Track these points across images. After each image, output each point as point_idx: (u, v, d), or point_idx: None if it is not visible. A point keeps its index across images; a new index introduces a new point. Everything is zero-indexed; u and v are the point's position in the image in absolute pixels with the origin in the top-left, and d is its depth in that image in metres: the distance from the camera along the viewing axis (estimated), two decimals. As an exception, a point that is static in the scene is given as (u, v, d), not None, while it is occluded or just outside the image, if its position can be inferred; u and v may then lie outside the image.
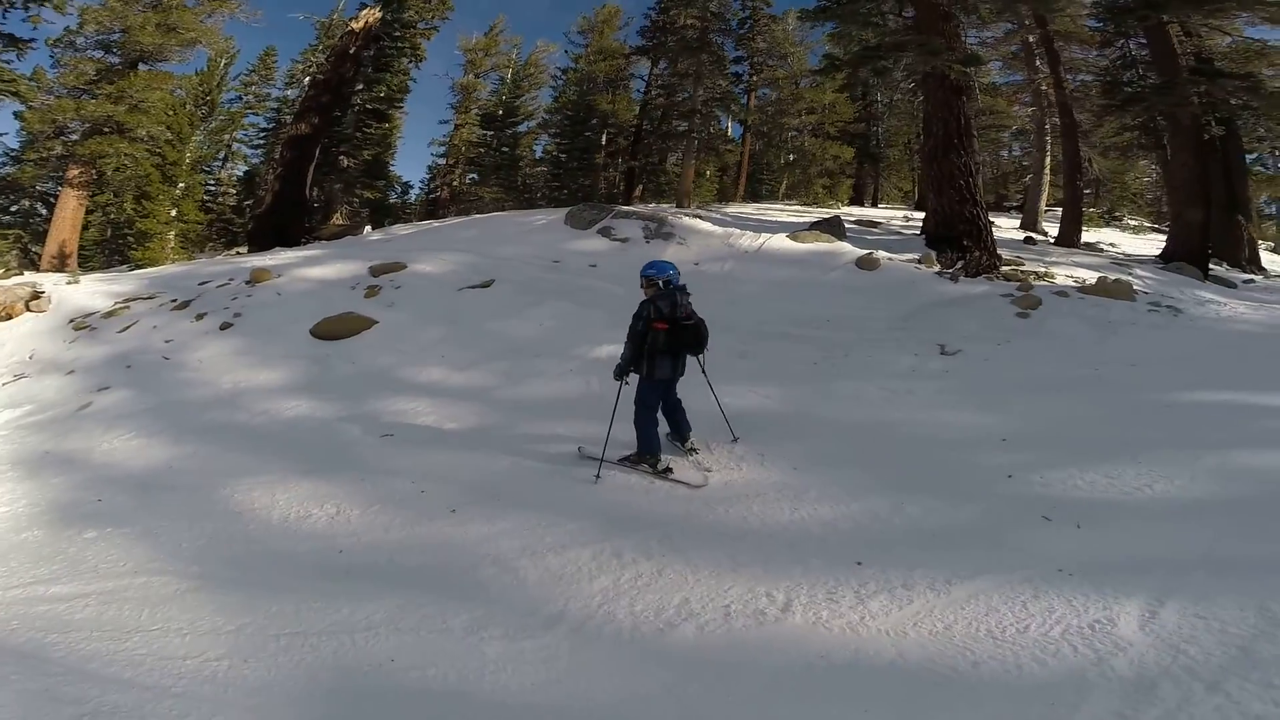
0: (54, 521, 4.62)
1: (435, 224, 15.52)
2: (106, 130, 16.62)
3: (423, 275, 9.86)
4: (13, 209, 20.62)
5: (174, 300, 10.05)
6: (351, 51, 18.11)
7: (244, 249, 15.23)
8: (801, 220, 13.30)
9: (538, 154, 28.43)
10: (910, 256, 9.75)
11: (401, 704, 2.39)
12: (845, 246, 10.14)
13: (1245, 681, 2.13)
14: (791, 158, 25.64)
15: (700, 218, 12.27)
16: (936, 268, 9.77)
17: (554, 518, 3.69)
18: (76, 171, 16.64)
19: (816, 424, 4.88)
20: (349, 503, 4.16)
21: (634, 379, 4.42)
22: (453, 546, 3.55)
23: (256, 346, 8.10)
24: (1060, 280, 9.77)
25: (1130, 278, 9.96)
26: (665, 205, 18.94)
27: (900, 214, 17.82)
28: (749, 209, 16.54)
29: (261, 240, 14.78)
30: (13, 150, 18.89)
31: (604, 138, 24.80)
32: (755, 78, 23.42)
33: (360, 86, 20.37)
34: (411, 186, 25.09)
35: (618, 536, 3.44)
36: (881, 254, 9.63)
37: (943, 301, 8.34)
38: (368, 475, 4.56)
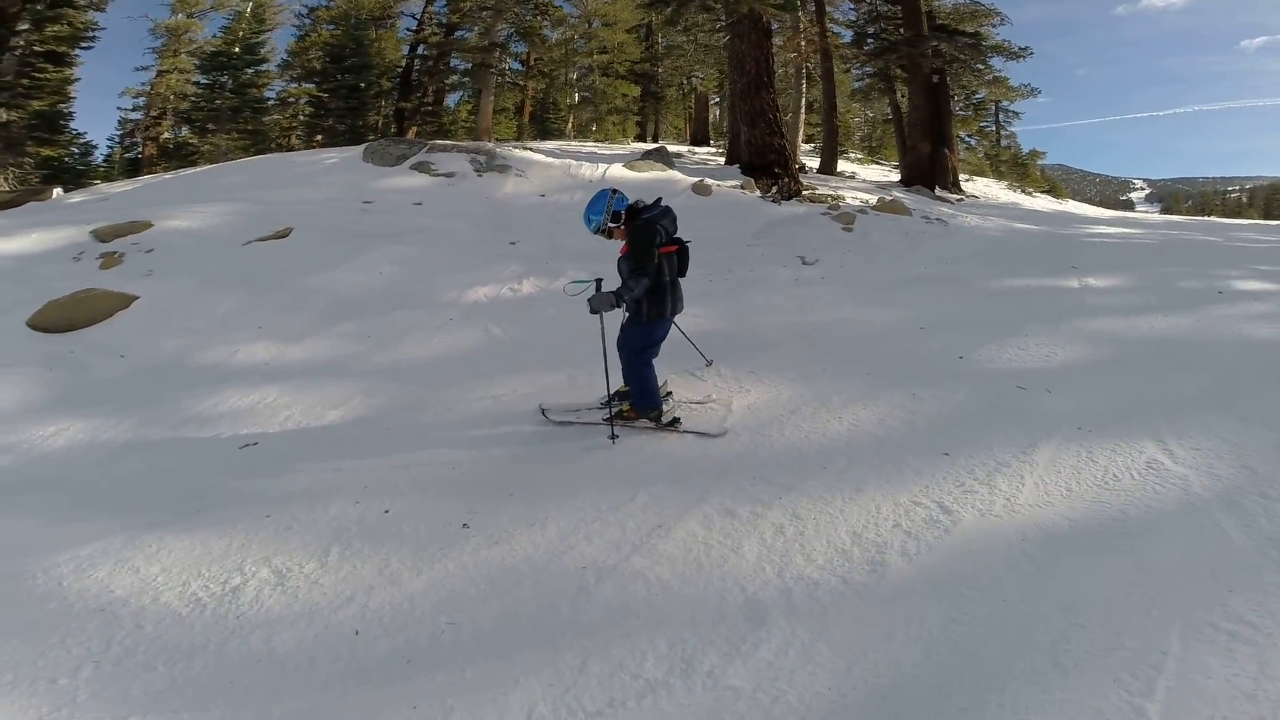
0: None
1: (167, 176, 11.70)
2: None
3: (184, 232, 7.28)
4: None
5: None
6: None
7: None
8: (614, 153, 13.03)
9: (269, 98, 23.52)
10: (733, 183, 10.12)
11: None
12: (678, 174, 10.12)
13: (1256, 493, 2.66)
14: (578, 97, 25.21)
15: (530, 150, 11.18)
16: (757, 193, 10.35)
17: (614, 497, 2.89)
18: None
19: (764, 334, 4.72)
20: (280, 554, 2.74)
21: (612, 319, 3.61)
22: (530, 571, 2.53)
23: (-75, 361, 5.22)
24: (851, 201, 11.04)
25: (897, 197, 11.69)
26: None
27: (684, 148, 18.68)
28: (552, 145, 15.67)
29: None
30: None
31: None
32: (539, 18, 22.19)
33: (26, 26, 14.56)
34: (95, 146, 18.77)
35: (707, 495, 2.86)
36: (710, 180, 9.81)
37: (777, 220, 8.80)
38: (265, 508, 3.07)
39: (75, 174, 15.76)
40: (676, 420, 3.58)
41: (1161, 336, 4.68)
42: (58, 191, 10.48)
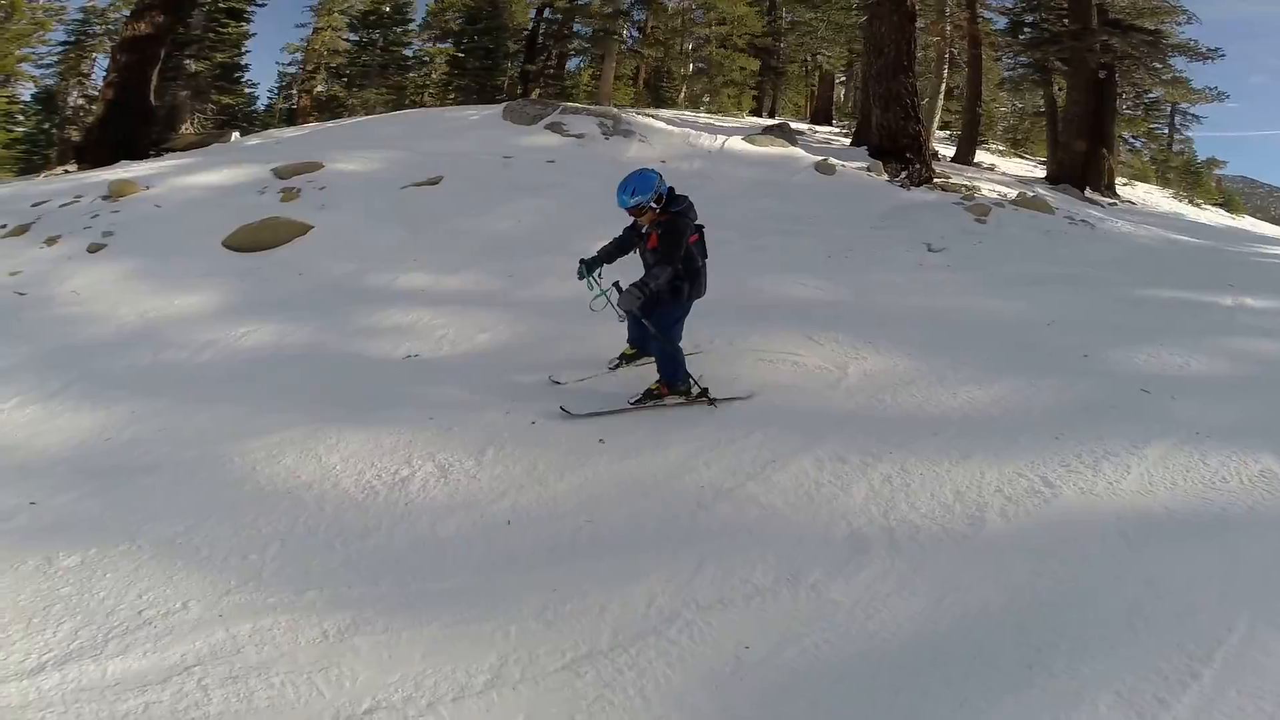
0: None
1: (329, 124, 13.18)
2: None
3: (350, 174, 8.32)
4: None
5: (3, 225, 7.64)
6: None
7: (71, 167, 12.01)
8: (732, 126, 13.14)
9: (408, 57, 25.40)
10: (859, 165, 10.01)
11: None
12: (799, 152, 10.14)
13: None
14: (693, 67, 25.26)
15: (654, 118, 11.58)
16: (885, 176, 10.16)
17: (731, 433, 3.26)
18: None
19: (882, 311, 4.85)
20: (443, 452, 3.31)
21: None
22: (655, 485, 2.96)
23: (153, 267, 6.40)
24: (987, 193, 10.54)
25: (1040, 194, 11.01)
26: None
27: (805, 125, 18.33)
28: (669, 113, 15.95)
29: (98, 155, 11.69)
30: None
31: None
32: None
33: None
34: (257, 97, 21.31)
35: (819, 442, 3.16)
36: (835, 160, 9.74)
37: (905, 206, 8.65)
38: (428, 411, 3.69)
39: (247, 120, 17.97)
40: (705, 391, 3.69)
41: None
42: (236, 135, 12.14)
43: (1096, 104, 13.85)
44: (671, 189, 3.74)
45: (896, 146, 10.77)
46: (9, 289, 6.38)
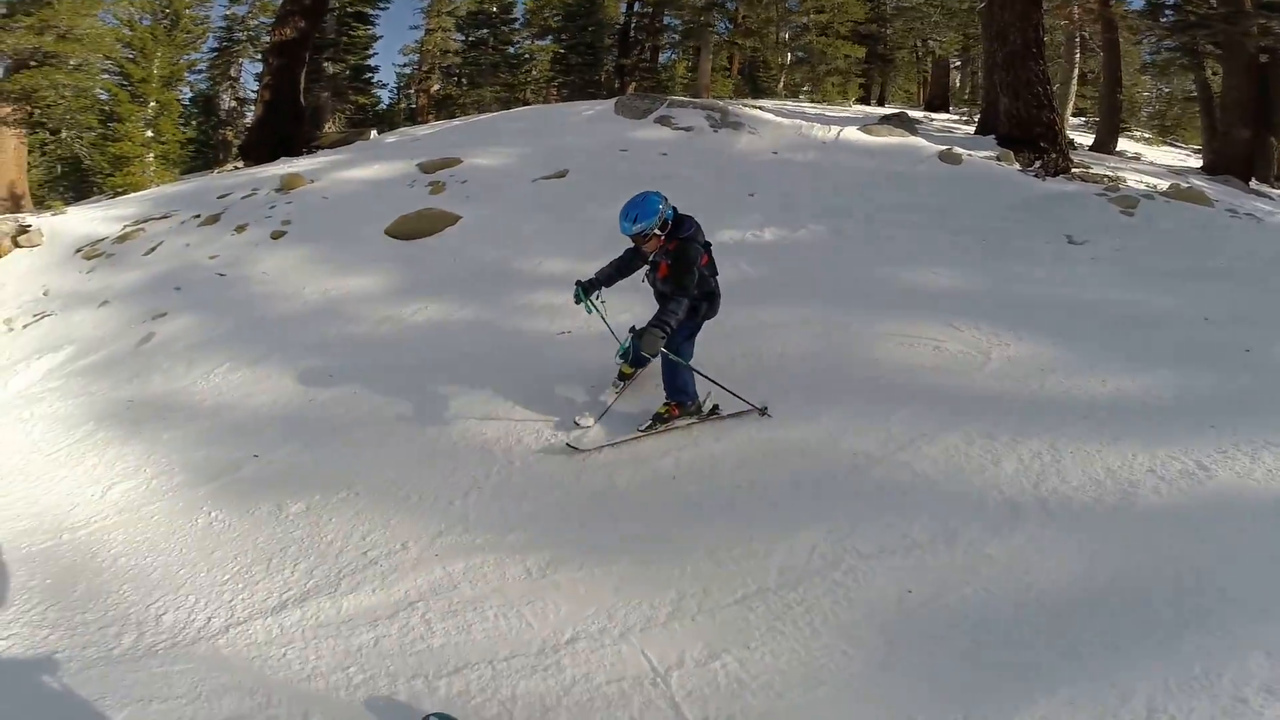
0: (218, 495, 3.91)
1: (456, 122, 14.37)
2: (34, 64, 14.83)
3: (485, 169, 9.17)
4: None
5: (197, 216, 9.04)
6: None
7: (238, 164, 13.89)
8: (842, 115, 13.05)
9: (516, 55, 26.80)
10: (987, 154, 9.72)
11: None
12: (920, 141, 9.98)
13: None
14: (790, 57, 25.03)
15: (760, 109, 11.77)
16: (1016, 166, 9.82)
17: (879, 409, 3.53)
18: (9, 110, 14.97)
19: (1021, 301, 4.88)
20: (608, 415, 3.88)
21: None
22: (809, 451, 3.29)
23: (328, 252, 7.45)
24: (1134, 184, 9.95)
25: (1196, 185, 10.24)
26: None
27: (919, 114, 17.75)
28: (774, 104, 15.99)
29: (259, 152, 13.46)
30: None
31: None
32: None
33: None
34: (381, 98, 23.41)
35: (966, 419, 3.38)
36: (960, 150, 9.54)
37: (1040, 196, 8.37)
38: (587, 380, 4.26)
39: (378, 119, 19.80)
40: (716, 408, 3.76)
41: None
42: (374, 133, 13.51)
43: (1259, 89, 12.72)
44: (675, 210, 3.65)
45: (1029, 135, 10.39)
46: (211, 270, 7.63)
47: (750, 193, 7.86)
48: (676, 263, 3.52)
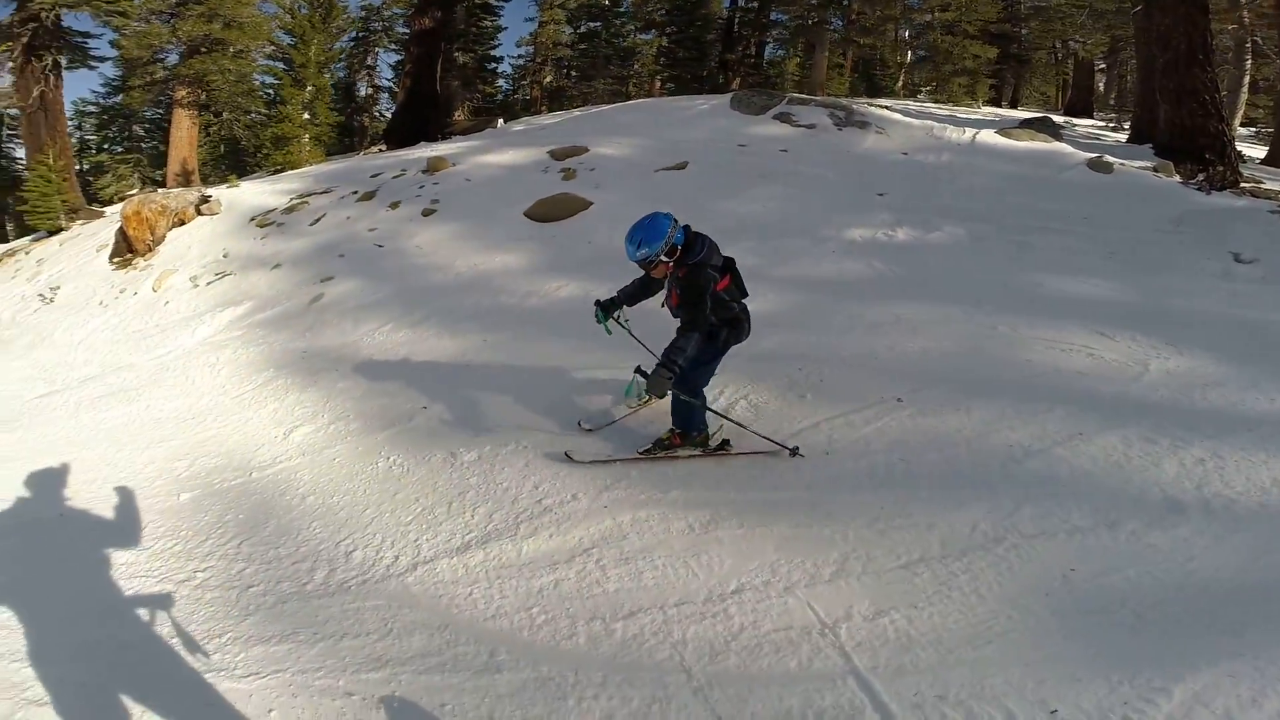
0: (394, 442, 4.34)
1: (575, 113, 15.18)
2: (203, 50, 17.00)
3: (609, 158, 9.75)
4: (126, 136, 22.52)
5: (355, 192, 10.16)
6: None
7: (381, 147, 15.33)
8: (973, 117, 12.73)
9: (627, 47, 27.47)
10: (1141, 164, 9.28)
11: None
12: (1066, 147, 9.66)
13: None
14: (910, 55, 24.33)
15: (887, 109, 11.73)
16: (1176, 178, 9.33)
17: (1031, 406, 3.65)
18: (184, 92, 17.32)
19: (1178, 316, 4.79)
20: (755, 391, 4.12)
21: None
22: (963, 440, 3.47)
23: (474, 230, 8.23)
24: (1315, 201, 9.21)
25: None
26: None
27: (1059, 118, 16.91)
28: (897, 104, 15.73)
29: (400, 137, 14.80)
30: (114, 79, 20.72)
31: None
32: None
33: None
34: (503, 88, 24.83)
35: (1125, 422, 3.47)
36: (1111, 158, 9.17)
37: (1204, 210, 7.94)
38: (731, 360, 4.48)
39: (500, 109, 21.11)
40: (726, 443, 3.64)
41: None
42: (500, 121, 14.50)
43: None
44: (688, 229, 3.42)
45: (1192, 146, 9.86)
46: (370, 241, 8.58)
47: (880, 192, 7.97)
48: (687, 293, 3.32)
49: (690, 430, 3.66)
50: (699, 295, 3.27)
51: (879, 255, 6.29)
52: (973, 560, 2.79)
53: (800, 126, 10.78)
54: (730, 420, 3.78)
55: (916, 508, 3.11)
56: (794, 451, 3.57)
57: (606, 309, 3.85)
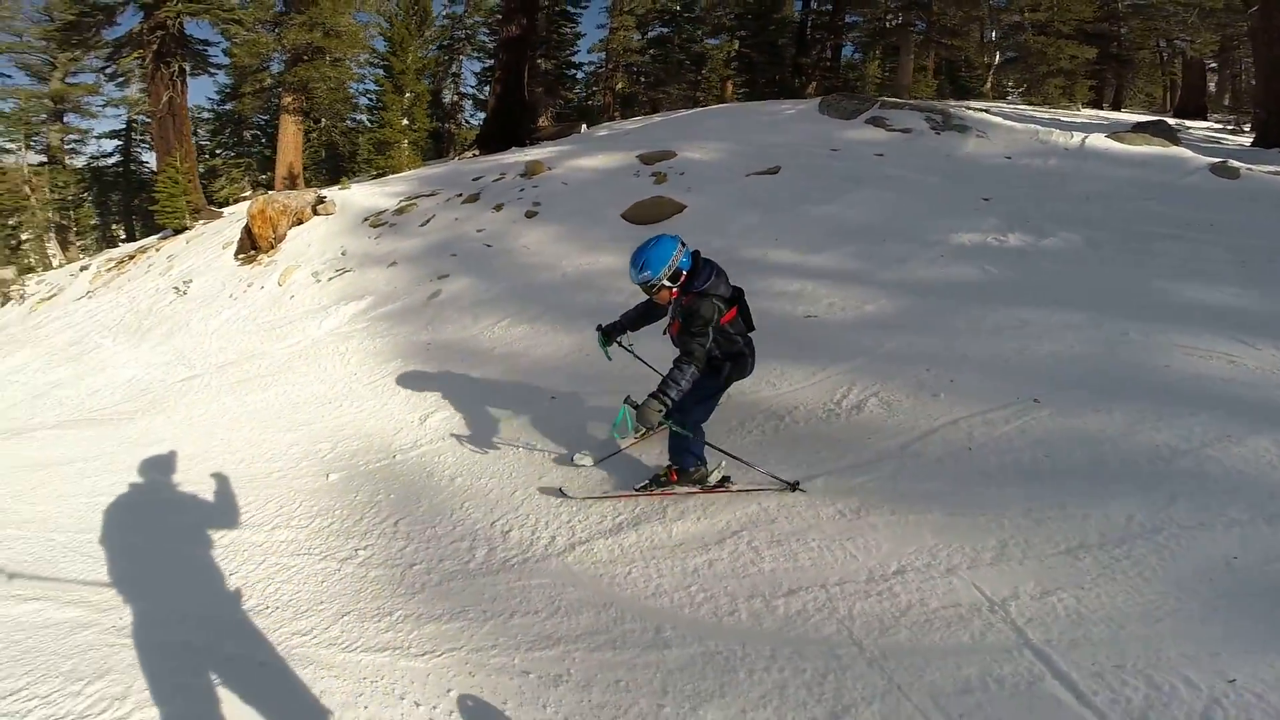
0: (531, 428, 4.56)
1: (656, 118, 15.62)
2: (306, 57, 18.30)
3: (698, 162, 10.03)
4: (237, 141, 24.80)
5: (459, 194, 10.84)
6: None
7: (475, 152, 16.19)
8: (1076, 120, 12.39)
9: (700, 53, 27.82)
10: (1273, 169, 8.87)
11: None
12: (1185, 152, 9.30)
13: None
14: (999, 56, 23.68)
15: (986, 112, 11.59)
16: (1311, 184, 8.87)
17: (1174, 409, 3.66)
18: (290, 98, 18.60)
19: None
20: (884, 390, 4.23)
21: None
22: (1107, 438, 3.51)
23: (576, 232, 8.67)
24: None
25: None
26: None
27: (1170, 121, 16.16)
28: (983, 105, 15.41)
29: (492, 142, 15.58)
30: (225, 87, 22.73)
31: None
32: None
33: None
34: (582, 93, 25.61)
35: (1268, 429, 3.42)
36: (1237, 163, 8.80)
37: (1349, 218, 7.55)
38: (851, 360, 4.70)
39: (581, 115, 21.86)
40: (726, 480, 3.58)
41: None
42: (584, 126, 15.04)
43: None
44: (696, 255, 3.34)
45: (1326, 149, 9.40)
46: (480, 241, 9.15)
47: (985, 197, 7.93)
48: (688, 324, 3.23)
49: (686, 467, 3.59)
50: (701, 327, 3.20)
51: (990, 260, 6.30)
52: (1133, 547, 2.85)
53: (895, 131, 10.78)
54: (731, 456, 3.70)
55: (1069, 500, 3.16)
56: (794, 486, 3.52)
57: (608, 334, 3.85)
